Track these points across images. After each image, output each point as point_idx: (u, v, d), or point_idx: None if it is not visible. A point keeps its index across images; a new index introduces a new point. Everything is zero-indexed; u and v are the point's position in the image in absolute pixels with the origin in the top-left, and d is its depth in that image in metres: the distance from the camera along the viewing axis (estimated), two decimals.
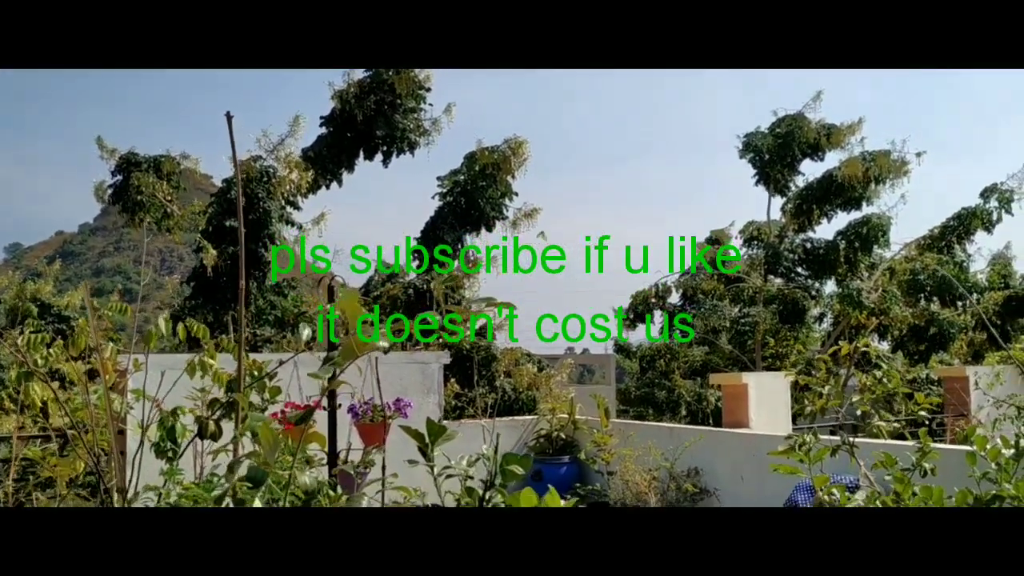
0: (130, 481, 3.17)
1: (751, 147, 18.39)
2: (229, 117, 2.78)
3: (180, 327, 3.37)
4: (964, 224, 18.55)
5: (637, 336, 21.90)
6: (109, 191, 13.11)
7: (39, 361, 3.25)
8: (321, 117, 13.94)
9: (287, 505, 2.51)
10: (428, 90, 14.20)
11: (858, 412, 4.25)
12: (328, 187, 14.13)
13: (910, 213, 18.26)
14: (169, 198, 12.63)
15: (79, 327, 3.24)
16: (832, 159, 18.29)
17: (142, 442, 3.20)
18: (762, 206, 19.21)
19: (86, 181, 13.33)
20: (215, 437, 3.10)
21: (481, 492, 2.04)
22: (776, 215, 19.21)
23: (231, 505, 1.81)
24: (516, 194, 14.61)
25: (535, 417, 9.46)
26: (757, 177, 18.66)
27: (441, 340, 12.35)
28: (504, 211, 14.48)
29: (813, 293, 18.46)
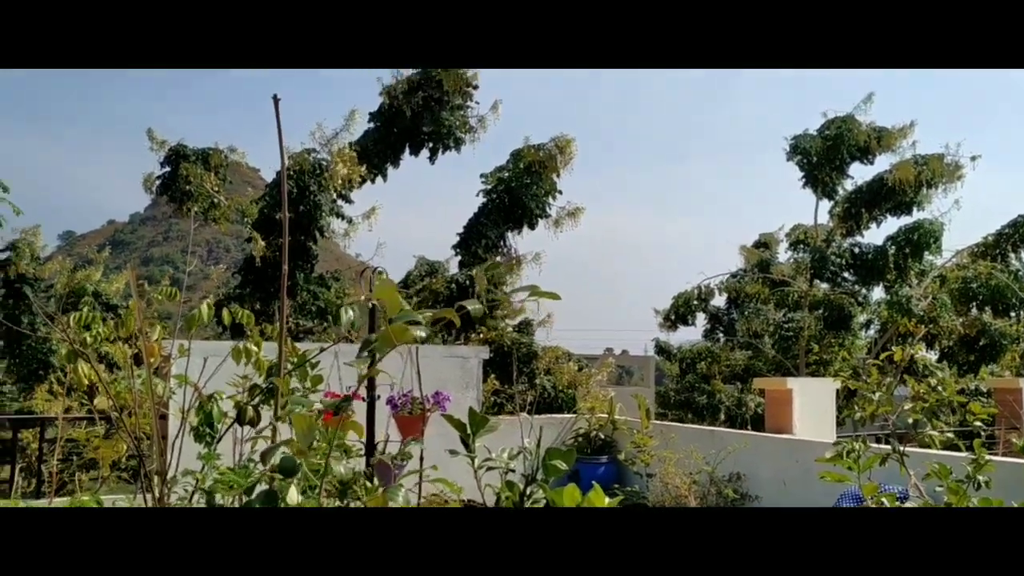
0: (170, 465, 3.17)
1: (799, 149, 18.10)
2: (276, 100, 2.76)
3: (225, 312, 3.37)
4: (1020, 232, 18.07)
5: (678, 338, 21.74)
6: (157, 182, 13.32)
7: (87, 340, 3.26)
8: (369, 113, 14.02)
9: (323, 494, 2.48)
10: (475, 88, 14.18)
11: (910, 420, 4.11)
12: (373, 182, 14.21)
13: (963, 220, 17.85)
14: (216, 189, 12.78)
15: (129, 308, 3.24)
16: (882, 162, 17.95)
17: (182, 427, 3.21)
18: (809, 209, 18.92)
19: (137, 172, 13.59)
20: (253, 423, 3.08)
21: (522, 487, 1.99)
22: (823, 219, 18.90)
23: (261, 497, 1.78)
24: (560, 192, 14.56)
25: (574, 416, 9.38)
26: (804, 180, 18.35)
27: (482, 335, 12.34)
28: (548, 209, 14.42)
29: (860, 299, 18.12)
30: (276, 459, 1.87)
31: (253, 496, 1.79)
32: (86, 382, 3.51)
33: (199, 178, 12.55)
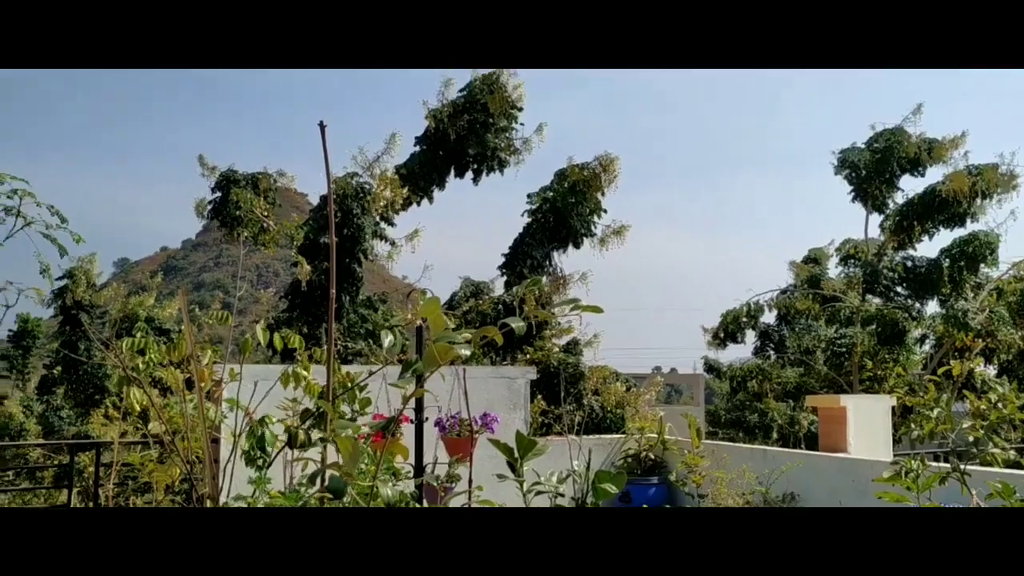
0: (221, 489, 3.19)
1: (847, 163, 17.87)
2: (322, 126, 2.78)
3: (276, 337, 3.40)
4: None
5: (727, 356, 21.49)
6: (209, 207, 13.57)
7: (140, 366, 3.31)
8: (415, 137, 14.17)
9: None
10: (520, 109, 14.24)
11: (970, 438, 4.00)
12: (419, 204, 14.32)
13: (1021, 231, 17.45)
14: (265, 214, 12.97)
15: (181, 333, 3.29)
16: (933, 174, 17.66)
17: (234, 450, 3.23)
18: (858, 223, 18.66)
19: (188, 198, 13.87)
20: (304, 446, 3.10)
21: None
22: (874, 232, 18.60)
23: None
24: (605, 211, 14.52)
25: (623, 436, 9.29)
26: (853, 193, 18.10)
27: (529, 356, 12.31)
28: (593, 228, 14.40)
29: (914, 314, 17.75)
30: (326, 480, 1.87)
31: None
32: (138, 407, 3.56)
33: (248, 203, 12.76)
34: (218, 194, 13.47)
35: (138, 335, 3.43)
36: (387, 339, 2.44)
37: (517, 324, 1.81)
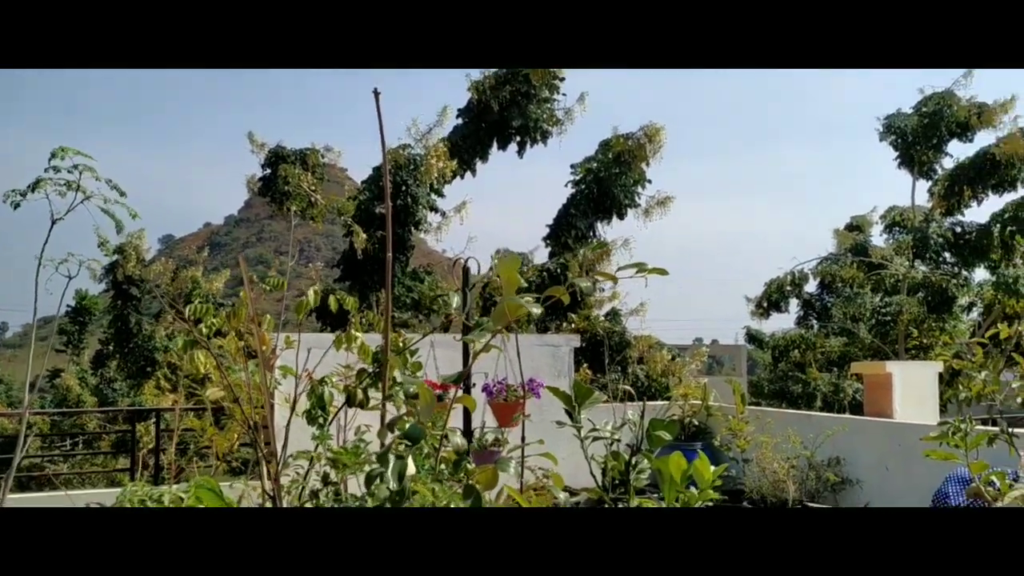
0: (283, 449, 3.33)
1: (893, 129, 17.57)
2: (376, 93, 2.85)
3: (331, 299, 3.52)
4: None
5: (769, 326, 21.35)
6: (259, 183, 13.83)
7: (203, 330, 3.43)
8: (458, 109, 14.24)
9: (437, 468, 2.58)
10: (562, 80, 14.23)
11: (1019, 400, 4.00)
12: (463, 177, 14.42)
13: None
14: (313, 188, 13.20)
15: (240, 300, 3.40)
16: (982, 140, 17.33)
17: (292, 413, 3.36)
18: (901, 191, 18.41)
19: (231, 176, 14.25)
20: (363, 405, 3.22)
21: (627, 456, 2.05)
22: (920, 199, 18.31)
23: (391, 463, 1.87)
24: (649, 181, 14.49)
25: (666, 403, 9.34)
26: (899, 160, 17.81)
27: (574, 324, 12.39)
28: (637, 199, 14.39)
29: (961, 281, 17.49)
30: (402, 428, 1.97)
31: (384, 466, 1.88)
32: (202, 371, 3.70)
33: (297, 179, 12.99)
34: (267, 171, 13.72)
35: (196, 302, 3.56)
36: (455, 299, 2.54)
37: (584, 284, 1.89)
